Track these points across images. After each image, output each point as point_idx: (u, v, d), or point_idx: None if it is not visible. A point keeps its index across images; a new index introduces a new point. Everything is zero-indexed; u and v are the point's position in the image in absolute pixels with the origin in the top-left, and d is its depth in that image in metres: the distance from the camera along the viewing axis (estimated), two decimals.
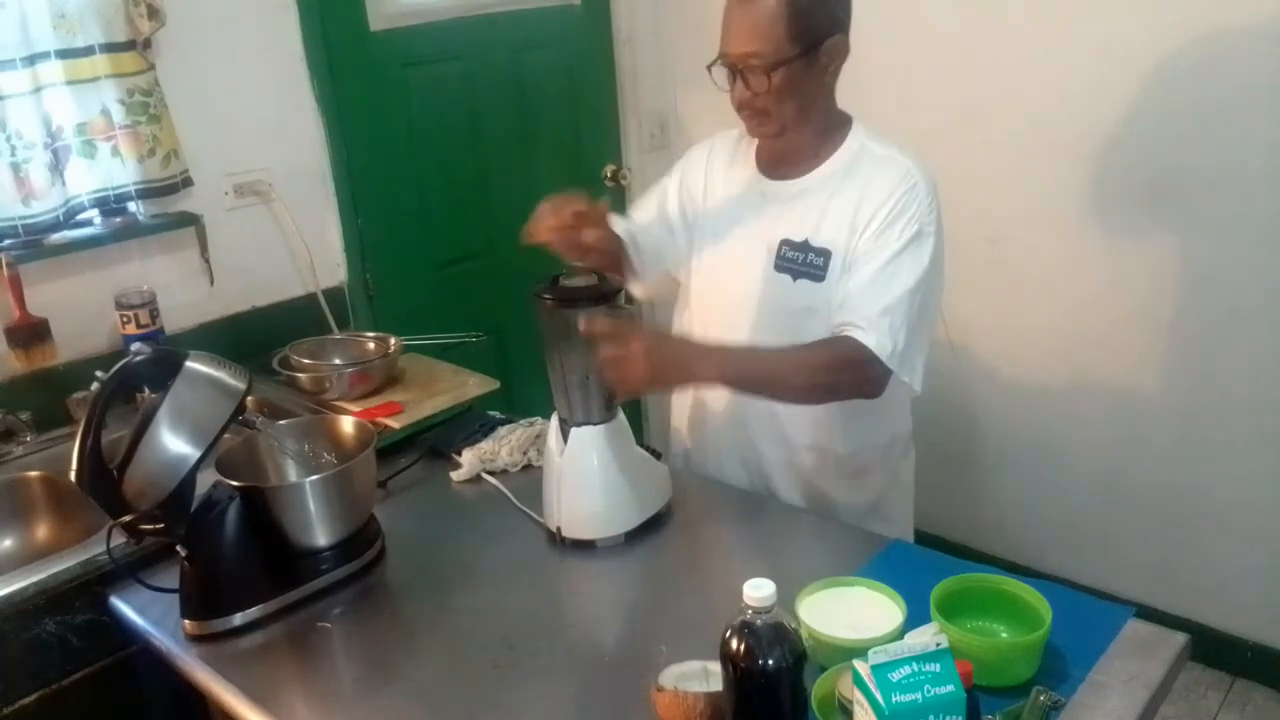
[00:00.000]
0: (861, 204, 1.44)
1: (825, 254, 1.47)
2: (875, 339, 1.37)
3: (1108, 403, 2.44)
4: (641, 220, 1.68)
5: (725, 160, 1.64)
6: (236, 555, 1.34)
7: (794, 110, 1.45)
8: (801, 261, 1.49)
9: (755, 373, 1.43)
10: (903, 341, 1.38)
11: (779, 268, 1.51)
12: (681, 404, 1.74)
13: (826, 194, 1.48)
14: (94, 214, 1.94)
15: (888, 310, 1.39)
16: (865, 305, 1.40)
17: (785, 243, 1.50)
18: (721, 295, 1.60)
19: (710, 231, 1.62)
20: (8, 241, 1.81)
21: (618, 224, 1.60)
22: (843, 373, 1.40)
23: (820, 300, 1.47)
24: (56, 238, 1.87)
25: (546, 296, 1.36)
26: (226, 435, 1.34)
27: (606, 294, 1.37)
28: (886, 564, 1.34)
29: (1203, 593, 2.41)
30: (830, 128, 1.51)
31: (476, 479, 1.68)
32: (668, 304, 1.75)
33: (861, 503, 1.63)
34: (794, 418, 1.57)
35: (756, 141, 1.60)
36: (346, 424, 1.55)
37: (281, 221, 2.22)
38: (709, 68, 1.47)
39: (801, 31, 1.39)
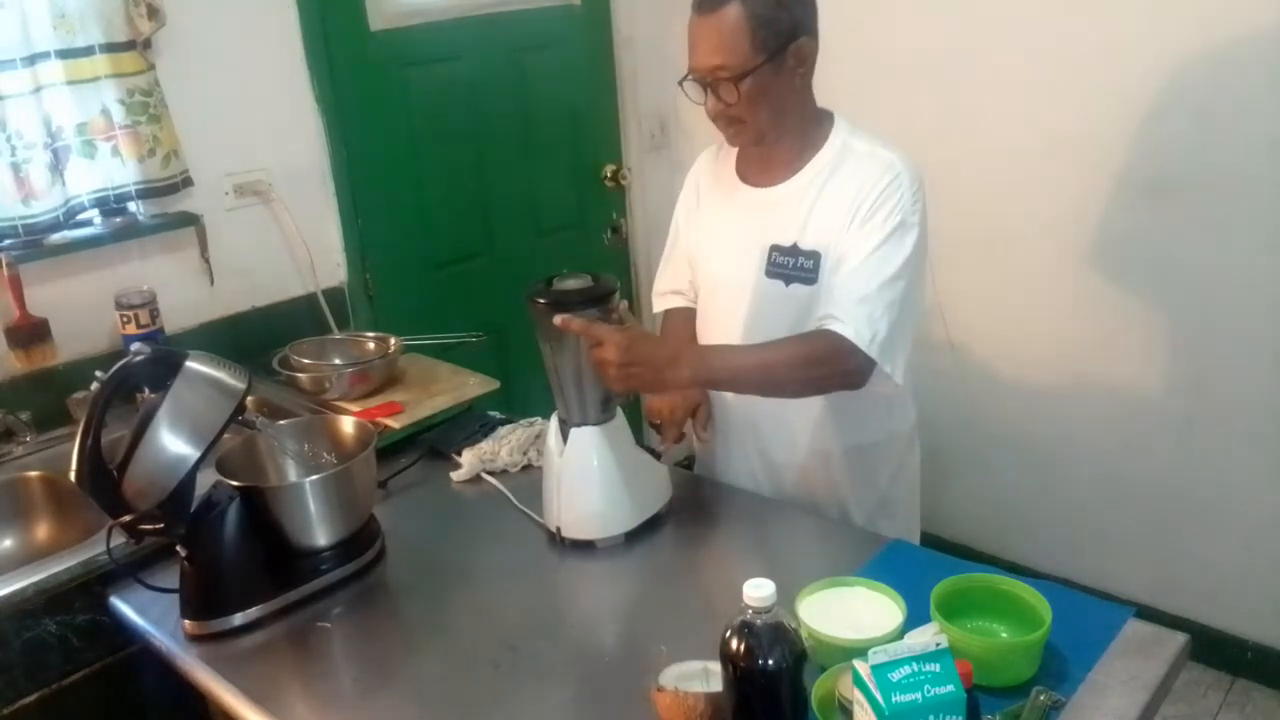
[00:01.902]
0: (845, 202, 1.44)
1: (815, 256, 1.47)
2: (854, 329, 1.37)
3: (1108, 403, 2.44)
4: (683, 280, 1.74)
5: (709, 178, 1.66)
6: (236, 555, 1.34)
7: (768, 116, 1.45)
8: (792, 266, 1.49)
9: (735, 374, 1.43)
10: (884, 331, 1.38)
11: (771, 274, 1.51)
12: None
13: (811, 196, 1.48)
14: (94, 214, 1.94)
15: (866, 299, 1.39)
16: (845, 296, 1.40)
17: (775, 248, 1.50)
18: (720, 308, 1.61)
19: (705, 247, 1.64)
20: (8, 241, 1.81)
21: (678, 300, 1.75)
22: (823, 367, 1.40)
23: (815, 303, 1.47)
24: (56, 238, 1.87)
25: (540, 300, 1.36)
26: (226, 435, 1.34)
27: (599, 296, 1.37)
28: (886, 564, 1.34)
29: (1203, 593, 2.41)
30: (809, 129, 1.51)
31: (476, 479, 1.68)
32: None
33: (870, 498, 1.63)
34: (802, 419, 1.57)
35: (734, 152, 1.61)
36: (346, 424, 1.55)
37: (281, 221, 2.22)
38: (680, 83, 1.48)
39: (765, 39, 1.39)
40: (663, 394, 1.62)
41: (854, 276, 1.41)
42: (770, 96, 1.43)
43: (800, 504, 1.62)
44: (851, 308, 1.39)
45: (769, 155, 1.53)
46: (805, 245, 1.48)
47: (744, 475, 1.67)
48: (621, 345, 1.30)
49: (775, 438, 1.61)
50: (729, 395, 1.62)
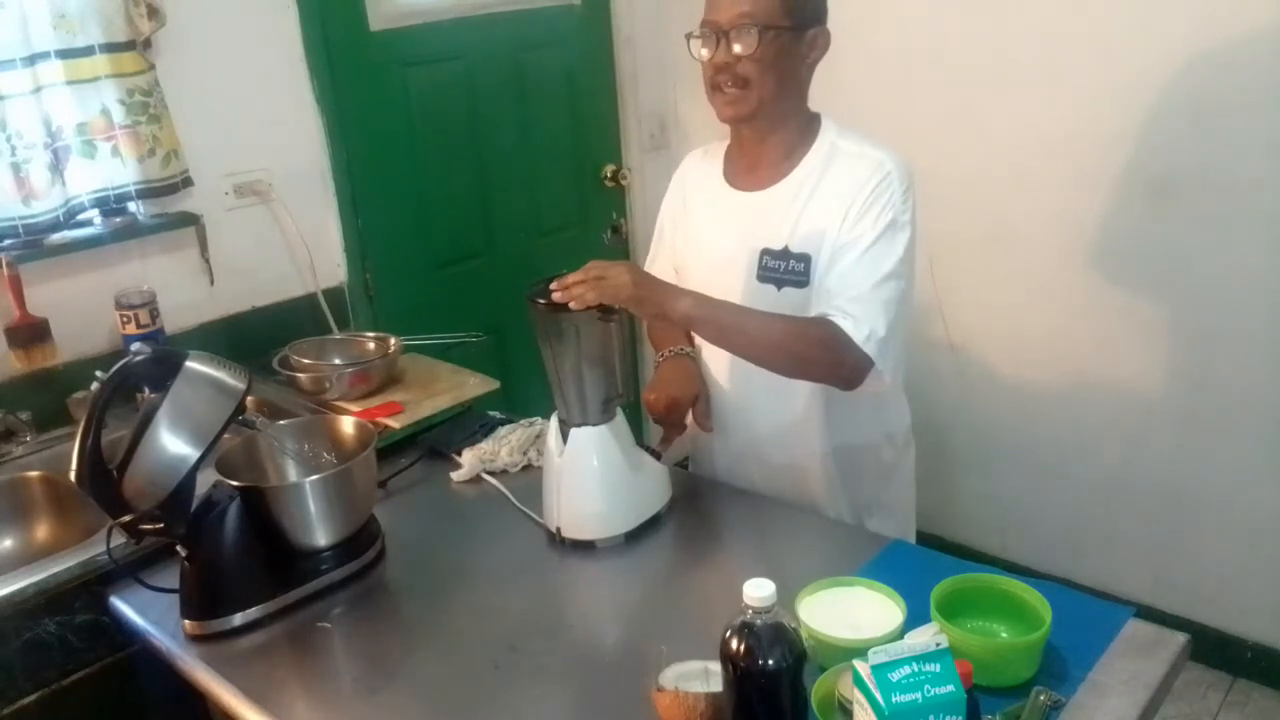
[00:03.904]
0: (835, 202, 1.44)
1: (806, 259, 1.46)
2: (851, 324, 1.37)
3: (1108, 403, 2.44)
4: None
5: (696, 182, 1.65)
6: (236, 555, 1.34)
7: (773, 86, 1.43)
8: (784, 269, 1.48)
9: (731, 322, 1.42)
10: (881, 330, 1.38)
11: (762, 278, 1.50)
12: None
13: (802, 199, 1.48)
14: (94, 214, 1.94)
15: (860, 298, 1.39)
16: (839, 295, 1.40)
17: (765, 252, 1.50)
18: None
19: (693, 252, 1.63)
20: (8, 241, 1.81)
21: None
22: (819, 348, 1.39)
23: (807, 306, 1.46)
24: (56, 238, 1.87)
25: (540, 300, 1.36)
26: (226, 435, 1.34)
27: None
28: (886, 564, 1.34)
29: (1203, 593, 2.42)
30: (799, 129, 1.51)
31: (476, 479, 1.68)
32: None
33: (865, 499, 1.63)
34: (798, 419, 1.57)
35: (721, 155, 1.60)
36: (346, 424, 1.55)
37: (281, 221, 2.22)
38: (688, 37, 1.46)
39: (797, 7, 1.41)
40: (660, 389, 1.61)
41: (848, 276, 1.41)
42: (781, 66, 1.43)
43: (797, 504, 1.61)
44: (847, 306, 1.39)
45: (757, 157, 1.53)
46: (796, 248, 1.47)
47: (739, 475, 1.67)
48: (631, 266, 1.36)
49: (771, 438, 1.61)
50: (726, 394, 1.62)
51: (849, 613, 1.16)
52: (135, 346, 1.85)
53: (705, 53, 1.45)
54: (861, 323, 1.37)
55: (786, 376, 1.46)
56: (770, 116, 1.48)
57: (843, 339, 1.37)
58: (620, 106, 2.96)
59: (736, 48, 1.41)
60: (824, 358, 1.40)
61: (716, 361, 1.63)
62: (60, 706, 1.43)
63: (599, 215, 2.99)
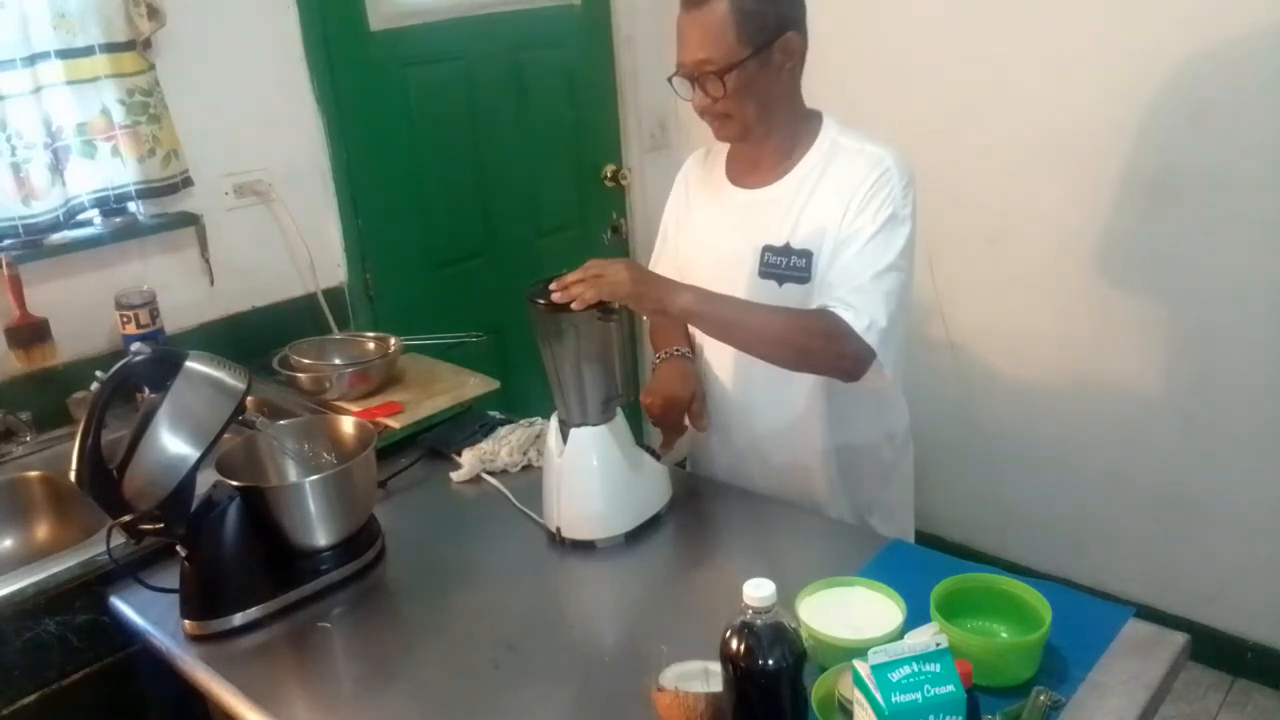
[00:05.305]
0: (836, 198, 1.45)
1: (807, 255, 1.47)
2: (852, 314, 1.38)
3: (1107, 403, 2.45)
4: None
5: (699, 180, 1.66)
6: (236, 555, 1.34)
7: (754, 111, 1.45)
8: (785, 265, 1.49)
9: (732, 316, 1.42)
10: (882, 320, 1.38)
11: (764, 274, 1.51)
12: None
13: (803, 196, 1.48)
14: (94, 214, 1.94)
15: (861, 289, 1.39)
16: (841, 287, 1.40)
17: (767, 249, 1.50)
18: None
19: (696, 250, 1.63)
20: (8, 241, 1.81)
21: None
22: (820, 339, 1.39)
23: (809, 302, 1.46)
24: (56, 238, 1.87)
25: (539, 300, 1.36)
26: (226, 435, 1.34)
27: None
28: (886, 564, 1.34)
29: (1203, 593, 2.42)
30: (798, 127, 1.51)
31: (476, 479, 1.69)
32: None
33: (864, 499, 1.64)
34: (798, 418, 1.57)
35: (724, 155, 1.61)
36: (346, 424, 1.55)
37: (281, 221, 2.22)
38: (670, 79, 1.48)
39: (752, 33, 1.39)
40: (657, 391, 1.61)
41: (848, 268, 1.41)
42: (756, 91, 1.43)
43: (797, 504, 1.61)
44: (847, 296, 1.39)
45: (758, 156, 1.53)
46: (797, 244, 1.48)
47: (740, 475, 1.67)
48: (630, 263, 1.37)
49: (772, 437, 1.61)
50: (728, 393, 1.62)
51: (849, 613, 1.16)
52: (135, 346, 1.83)
53: (685, 94, 1.48)
54: (862, 313, 1.38)
55: (789, 369, 1.46)
56: (762, 130, 1.49)
57: (844, 330, 1.37)
58: (620, 106, 2.96)
59: (707, 91, 1.43)
60: (825, 349, 1.40)
61: (718, 360, 1.63)
62: (60, 706, 1.43)
63: (599, 215, 2.99)
